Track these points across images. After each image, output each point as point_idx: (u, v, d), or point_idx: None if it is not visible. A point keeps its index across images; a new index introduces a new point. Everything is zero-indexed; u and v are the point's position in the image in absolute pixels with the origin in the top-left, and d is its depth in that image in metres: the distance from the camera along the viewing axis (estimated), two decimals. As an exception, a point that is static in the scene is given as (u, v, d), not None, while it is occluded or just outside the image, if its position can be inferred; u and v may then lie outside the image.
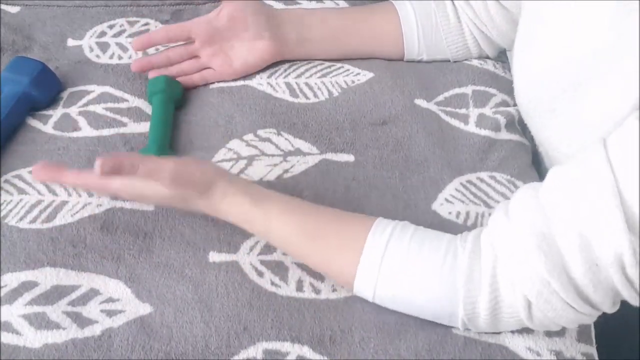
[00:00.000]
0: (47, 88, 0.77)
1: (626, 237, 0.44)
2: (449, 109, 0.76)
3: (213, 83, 0.80)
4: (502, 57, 0.85)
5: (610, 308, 0.50)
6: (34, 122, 0.76)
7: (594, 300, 0.49)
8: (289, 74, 0.81)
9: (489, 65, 0.81)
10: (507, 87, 0.79)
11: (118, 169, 0.56)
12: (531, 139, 0.75)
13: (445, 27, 0.79)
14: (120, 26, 0.88)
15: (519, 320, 0.53)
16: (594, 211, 0.46)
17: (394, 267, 0.55)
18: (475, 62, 0.81)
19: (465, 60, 0.81)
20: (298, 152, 0.72)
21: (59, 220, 0.66)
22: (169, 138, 0.73)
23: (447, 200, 0.67)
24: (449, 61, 0.82)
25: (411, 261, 0.55)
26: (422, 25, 0.79)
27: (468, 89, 0.78)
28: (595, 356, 0.57)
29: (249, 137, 0.74)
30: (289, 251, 0.62)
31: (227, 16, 0.76)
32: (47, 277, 0.61)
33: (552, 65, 0.59)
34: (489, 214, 0.65)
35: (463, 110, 0.76)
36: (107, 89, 0.79)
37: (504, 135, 0.73)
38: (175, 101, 0.77)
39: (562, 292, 0.48)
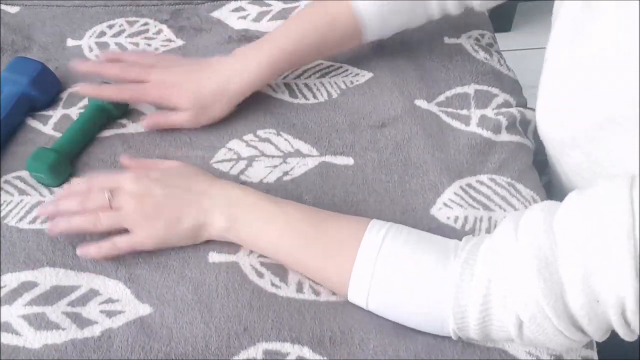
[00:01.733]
0: (46, 88, 0.77)
1: (632, 283, 0.43)
2: (450, 109, 0.76)
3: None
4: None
5: (601, 338, 0.49)
6: (34, 123, 0.76)
7: (586, 330, 0.48)
8: (288, 75, 0.81)
9: (494, 62, 0.81)
10: (510, 86, 0.79)
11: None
12: (535, 139, 0.75)
13: None
14: (120, 26, 0.88)
15: (508, 336, 0.52)
16: (604, 250, 0.44)
17: (388, 267, 0.55)
18: (481, 56, 0.81)
19: (472, 52, 0.81)
20: (298, 153, 0.72)
21: (58, 221, 0.66)
22: (75, 152, 0.72)
23: (445, 204, 0.67)
24: (452, 52, 0.81)
25: (404, 263, 0.54)
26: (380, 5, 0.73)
27: (470, 89, 0.78)
28: (596, 359, 0.57)
29: (249, 137, 0.74)
30: (283, 257, 0.61)
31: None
32: (47, 277, 0.62)
33: (580, 90, 0.56)
34: (488, 218, 0.65)
35: (464, 112, 0.76)
36: (107, 89, 0.79)
37: (505, 136, 0.73)
38: (112, 117, 0.75)
39: (555, 319, 0.48)
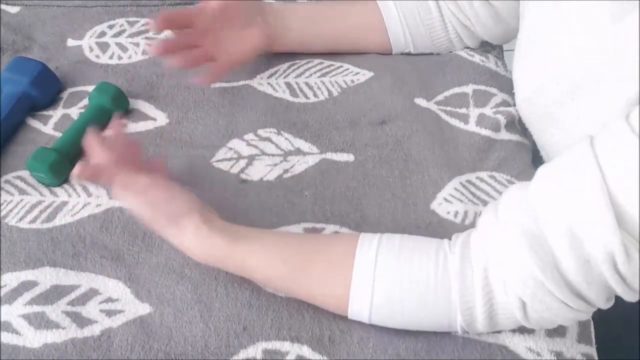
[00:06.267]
0: (47, 88, 0.77)
1: (616, 234, 0.44)
2: (449, 108, 0.76)
3: (214, 82, 0.80)
4: (501, 54, 0.85)
5: (604, 304, 0.50)
6: (34, 123, 0.76)
7: (588, 296, 0.48)
8: (289, 74, 0.81)
9: (491, 63, 0.81)
10: (507, 86, 0.78)
11: (96, 176, 0.59)
12: (533, 139, 0.75)
13: (428, 22, 0.79)
14: (120, 26, 0.88)
15: (515, 321, 0.52)
16: (583, 209, 0.46)
17: (387, 279, 0.54)
18: (477, 59, 0.81)
19: (468, 56, 0.81)
20: (298, 151, 0.72)
21: (59, 220, 0.66)
22: (75, 152, 0.71)
23: (445, 199, 0.67)
24: (449, 58, 0.82)
25: (403, 272, 0.54)
26: (406, 19, 0.79)
27: (468, 88, 0.78)
28: (595, 356, 0.57)
29: (250, 136, 0.74)
30: (275, 288, 0.60)
31: (218, 8, 0.74)
32: (47, 276, 0.62)
33: (552, 69, 0.59)
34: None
35: (463, 110, 0.76)
36: (107, 89, 0.79)
37: (504, 135, 0.73)
38: (111, 117, 0.75)
39: (556, 291, 0.48)
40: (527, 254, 0.48)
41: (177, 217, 0.57)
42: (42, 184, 0.70)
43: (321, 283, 0.57)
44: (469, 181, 0.69)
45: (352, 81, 0.80)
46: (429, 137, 0.73)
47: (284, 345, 0.57)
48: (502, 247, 0.50)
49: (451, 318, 0.53)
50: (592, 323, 0.59)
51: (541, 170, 0.51)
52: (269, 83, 0.80)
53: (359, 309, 0.55)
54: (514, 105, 0.76)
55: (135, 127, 0.75)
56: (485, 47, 0.83)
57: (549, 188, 0.49)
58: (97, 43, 0.86)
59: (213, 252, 0.58)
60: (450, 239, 0.56)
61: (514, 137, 0.73)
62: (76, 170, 0.58)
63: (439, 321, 0.54)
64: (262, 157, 0.72)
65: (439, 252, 0.54)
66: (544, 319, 0.51)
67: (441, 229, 0.65)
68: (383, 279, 0.54)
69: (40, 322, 0.58)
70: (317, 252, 0.58)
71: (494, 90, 0.78)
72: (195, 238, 0.57)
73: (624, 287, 0.47)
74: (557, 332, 0.57)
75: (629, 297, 0.48)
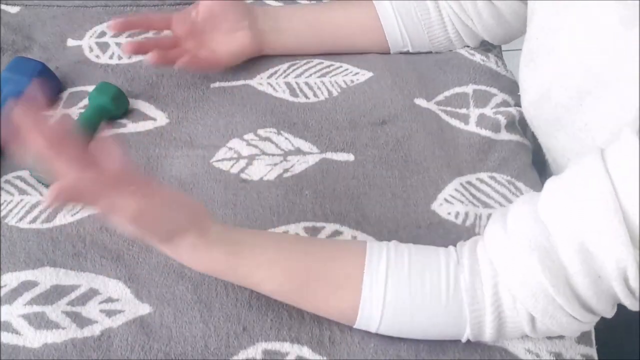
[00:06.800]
0: (47, 88, 0.77)
1: (630, 250, 0.44)
2: (449, 108, 0.76)
3: (214, 82, 0.80)
4: (500, 53, 0.85)
5: (610, 314, 0.50)
6: (34, 122, 0.76)
7: (596, 309, 0.48)
8: (289, 74, 0.81)
9: (491, 63, 0.81)
10: (508, 86, 0.78)
11: (77, 197, 0.49)
12: (534, 139, 0.75)
13: (426, 22, 0.79)
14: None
15: (521, 333, 0.52)
16: (595, 224, 0.45)
17: (398, 304, 0.53)
18: (477, 58, 0.81)
19: (469, 55, 0.81)
20: (298, 151, 0.72)
21: (59, 220, 0.66)
22: None
23: (446, 200, 0.67)
24: (449, 57, 0.82)
25: (416, 296, 0.52)
26: (403, 19, 0.79)
27: (469, 88, 0.78)
28: (595, 357, 0.57)
29: (250, 136, 0.74)
30: (281, 299, 0.58)
31: (204, 12, 0.76)
32: (47, 276, 0.62)
33: (561, 73, 0.58)
34: (488, 215, 0.65)
35: (463, 110, 0.76)
36: (107, 89, 0.79)
37: (504, 135, 0.73)
38: (112, 117, 0.75)
39: (567, 306, 0.48)
40: (539, 269, 0.47)
41: (169, 238, 0.53)
42: (42, 184, 0.70)
43: (328, 302, 0.56)
44: (469, 182, 0.69)
45: (352, 81, 0.80)
46: (429, 137, 0.73)
47: (284, 346, 0.57)
48: (512, 261, 0.49)
49: (460, 330, 0.53)
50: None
51: (550, 184, 0.50)
52: (269, 83, 0.80)
53: (366, 326, 0.55)
54: (514, 105, 0.76)
55: (135, 127, 0.75)
56: (486, 45, 0.83)
57: (559, 202, 0.48)
58: (97, 43, 0.86)
59: (213, 266, 0.56)
60: (453, 240, 0.56)
61: (514, 137, 0.73)
62: (51, 194, 0.47)
63: (447, 332, 0.54)
64: (262, 156, 0.72)
65: (449, 266, 0.53)
66: (551, 331, 0.51)
67: (442, 230, 0.65)
68: (393, 299, 0.53)
69: (40, 322, 0.58)
70: (322, 268, 0.56)
71: (494, 90, 0.78)
72: (192, 256, 0.55)
73: (633, 299, 0.47)
74: (557, 333, 0.57)
75: (634, 307, 0.48)
